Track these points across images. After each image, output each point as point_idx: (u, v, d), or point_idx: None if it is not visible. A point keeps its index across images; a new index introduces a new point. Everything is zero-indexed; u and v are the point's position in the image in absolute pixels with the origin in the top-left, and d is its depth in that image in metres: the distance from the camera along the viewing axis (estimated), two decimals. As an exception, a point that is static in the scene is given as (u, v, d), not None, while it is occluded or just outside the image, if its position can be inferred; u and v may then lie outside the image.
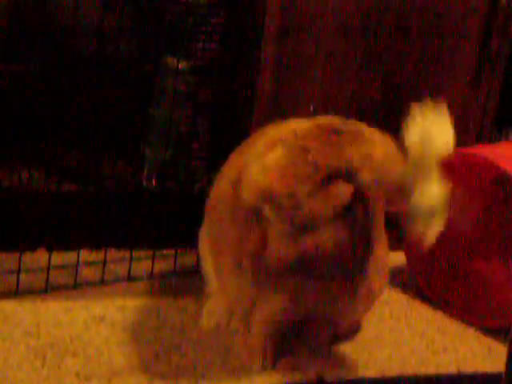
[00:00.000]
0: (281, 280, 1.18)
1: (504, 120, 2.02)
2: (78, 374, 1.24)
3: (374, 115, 1.74)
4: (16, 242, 1.52)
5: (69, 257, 1.56)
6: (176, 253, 1.62)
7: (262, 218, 1.14)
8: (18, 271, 1.46)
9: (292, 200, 1.10)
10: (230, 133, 1.63)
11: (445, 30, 1.78)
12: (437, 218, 1.16)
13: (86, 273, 1.56)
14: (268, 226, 1.14)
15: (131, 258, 1.58)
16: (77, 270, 1.52)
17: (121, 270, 1.59)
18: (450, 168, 1.62)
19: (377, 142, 1.15)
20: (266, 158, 1.13)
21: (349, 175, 1.12)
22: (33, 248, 1.58)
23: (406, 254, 1.70)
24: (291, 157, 1.12)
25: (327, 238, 1.12)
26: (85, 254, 1.60)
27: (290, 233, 1.13)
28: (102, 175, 1.67)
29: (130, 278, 1.57)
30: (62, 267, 1.54)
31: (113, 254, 1.62)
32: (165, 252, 1.65)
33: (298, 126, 1.20)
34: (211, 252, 1.31)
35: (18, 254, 1.47)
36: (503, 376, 1.03)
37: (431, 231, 1.17)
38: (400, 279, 1.69)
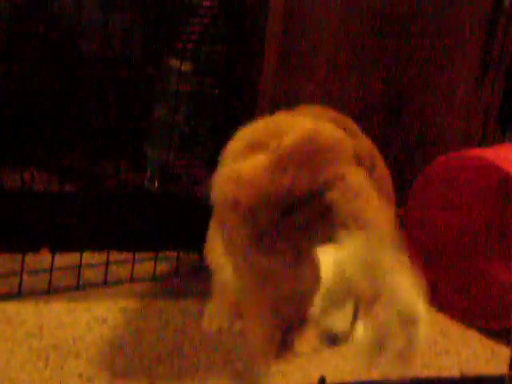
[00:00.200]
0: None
1: (507, 121, 2.02)
2: (80, 375, 1.24)
3: (376, 115, 1.74)
4: (19, 243, 1.52)
5: (72, 258, 1.56)
6: (178, 255, 1.62)
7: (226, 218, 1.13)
8: (21, 272, 1.46)
9: (254, 218, 1.09)
10: (231, 134, 1.63)
11: (448, 30, 1.78)
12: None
13: (89, 274, 1.56)
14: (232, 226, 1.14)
15: (134, 260, 1.58)
16: (79, 271, 1.52)
17: (123, 271, 1.59)
18: (455, 170, 1.63)
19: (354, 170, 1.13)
20: (243, 164, 1.11)
21: (319, 193, 1.10)
22: (36, 249, 1.59)
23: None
24: (267, 174, 1.09)
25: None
26: (87, 256, 1.61)
27: (250, 236, 1.12)
28: (104, 177, 1.68)
29: (133, 280, 1.58)
30: (64, 268, 1.54)
31: (115, 255, 1.62)
32: (167, 254, 1.65)
33: (287, 128, 1.16)
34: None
35: (20, 256, 1.47)
36: (506, 378, 1.03)
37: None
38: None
